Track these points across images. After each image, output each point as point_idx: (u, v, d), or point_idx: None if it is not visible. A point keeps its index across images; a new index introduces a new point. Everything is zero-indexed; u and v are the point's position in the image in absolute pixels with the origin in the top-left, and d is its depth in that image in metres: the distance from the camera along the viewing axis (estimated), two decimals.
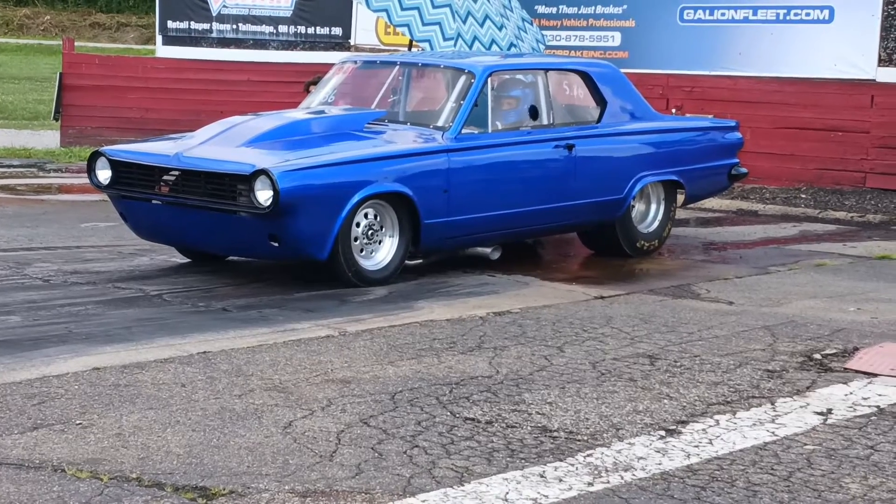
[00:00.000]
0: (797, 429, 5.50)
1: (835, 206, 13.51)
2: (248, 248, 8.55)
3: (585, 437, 5.27)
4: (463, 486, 4.64)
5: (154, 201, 8.57)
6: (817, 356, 6.85)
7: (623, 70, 15.37)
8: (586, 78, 10.04)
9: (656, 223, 10.40)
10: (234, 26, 18.97)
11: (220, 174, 8.12)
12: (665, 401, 5.87)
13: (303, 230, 8.06)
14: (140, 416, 5.36)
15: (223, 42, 18.97)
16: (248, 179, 7.92)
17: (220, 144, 8.50)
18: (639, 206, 10.29)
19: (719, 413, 5.69)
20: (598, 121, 9.97)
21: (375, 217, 8.48)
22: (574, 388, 6.05)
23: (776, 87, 14.59)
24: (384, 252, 8.55)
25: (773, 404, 5.88)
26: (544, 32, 13.69)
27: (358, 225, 8.37)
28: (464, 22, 12.26)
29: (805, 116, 14.38)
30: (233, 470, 4.71)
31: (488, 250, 9.33)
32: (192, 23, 19.22)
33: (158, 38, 19.91)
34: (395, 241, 8.56)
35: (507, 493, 4.58)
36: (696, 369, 6.48)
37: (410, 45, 13.04)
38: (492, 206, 9.02)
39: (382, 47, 17.33)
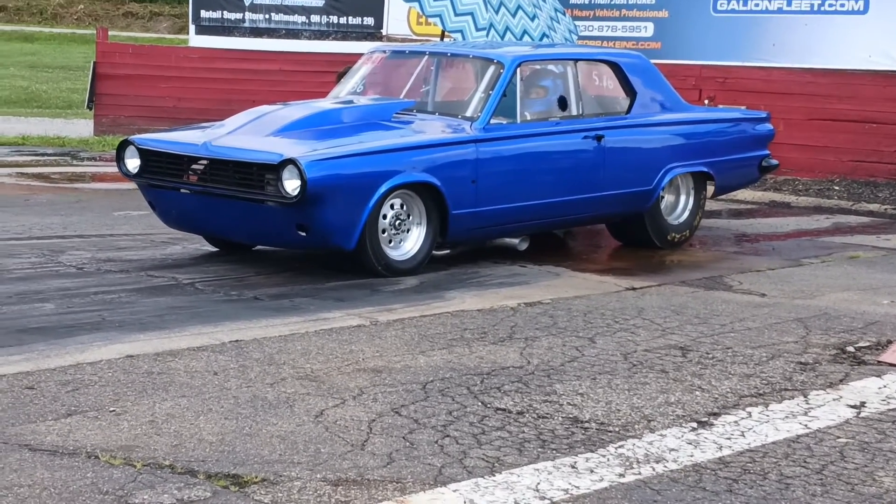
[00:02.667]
0: (830, 422, 5.47)
1: (868, 199, 13.41)
2: (276, 238, 8.57)
3: (617, 429, 5.26)
4: (494, 476, 4.64)
5: (182, 190, 8.61)
6: (850, 349, 6.81)
7: (655, 61, 15.30)
8: (616, 68, 9.99)
9: (686, 214, 10.32)
10: (267, 16, 19.00)
11: (249, 163, 8.15)
12: (697, 393, 5.86)
13: (330, 220, 8.08)
14: (173, 403, 5.39)
15: (255, 32, 19.01)
16: (276, 169, 7.94)
17: (248, 133, 8.53)
18: (668, 198, 10.23)
19: (752, 405, 5.67)
20: (628, 111, 9.91)
21: (403, 207, 8.46)
22: (605, 379, 6.04)
23: (810, 78, 14.50)
24: (411, 242, 8.53)
25: (805, 397, 5.85)
26: (577, 23, 13.65)
27: (385, 215, 8.37)
28: (496, 12, 12.23)
29: (839, 108, 14.28)
30: (265, 458, 4.73)
31: (516, 241, 9.31)
32: (224, 12, 19.26)
33: (191, 28, 19.97)
34: (423, 231, 8.55)
35: (539, 483, 4.58)
36: (728, 361, 6.46)
37: (442, 36, 13.02)
38: (520, 197, 9.00)
39: (414, 37, 17.32)
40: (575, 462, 4.83)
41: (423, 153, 8.52)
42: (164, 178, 8.69)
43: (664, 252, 10.08)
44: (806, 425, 5.41)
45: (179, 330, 6.74)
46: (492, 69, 9.14)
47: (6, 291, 7.54)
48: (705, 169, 10.30)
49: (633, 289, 8.37)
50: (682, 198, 10.33)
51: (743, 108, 12.86)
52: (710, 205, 13.13)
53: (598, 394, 5.77)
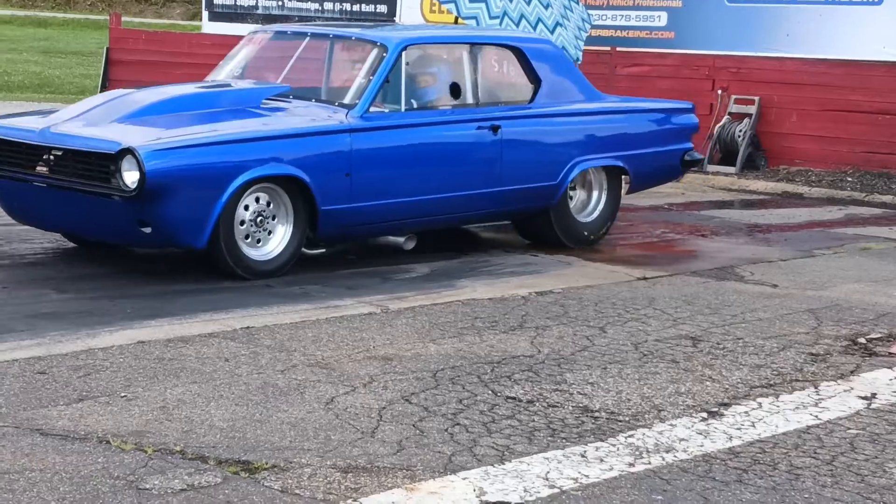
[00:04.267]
0: (841, 413, 5.47)
1: (881, 190, 13.37)
2: (121, 234, 7.75)
3: (627, 418, 5.27)
4: (504, 464, 4.65)
5: (26, 181, 7.73)
6: (862, 340, 6.80)
7: (669, 50, 15.30)
8: (519, 54, 9.25)
9: (597, 212, 9.60)
10: (280, 2, 19.00)
11: (86, 153, 7.39)
12: (707, 383, 5.85)
13: (176, 215, 7.34)
14: (184, 389, 5.40)
15: (268, 18, 19.01)
16: (115, 158, 7.21)
17: (93, 119, 7.77)
18: (580, 194, 9.56)
19: (762, 396, 5.67)
20: (532, 101, 9.20)
21: (268, 204, 7.75)
22: (616, 368, 6.04)
23: (823, 68, 14.45)
24: (276, 241, 7.81)
25: (816, 388, 5.84)
26: (590, 12, 13.61)
27: (247, 209, 7.67)
28: (510, 0, 12.22)
29: (852, 99, 14.23)
30: (275, 444, 4.74)
31: (401, 240, 8.63)
32: None
33: (204, 14, 19.99)
34: (289, 229, 7.82)
35: (548, 472, 4.59)
36: (739, 352, 6.45)
37: (456, 23, 13.01)
38: (402, 192, 8.28)
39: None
40: (585, 451, 4.83)
41: (288, 143, 7.79)
42: (5, 167, 7.84)
43: (676, 242, 10.07)
44: (816, 416, 5.40)
45: (191, 316, 6.75)
46: (374, 52, 8.41)
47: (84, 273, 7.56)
48: (618, 163, 9.58)
49: (645, 278, 8.36)
50: (595, 194, 9.63)
51: (674, 99, 12.38)
52: (723, 195, 13.14)
53: (608, 383, 5.77)
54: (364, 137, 8.07)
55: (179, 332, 6.38)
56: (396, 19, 17.93)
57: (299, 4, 18.85)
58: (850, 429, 5.25)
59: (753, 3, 15.14)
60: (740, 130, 14.49)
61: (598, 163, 9.48)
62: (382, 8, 18.27)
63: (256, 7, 19.17)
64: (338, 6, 18.59)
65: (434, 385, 5.62)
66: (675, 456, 4.82)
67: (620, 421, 5.23)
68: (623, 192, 9.90)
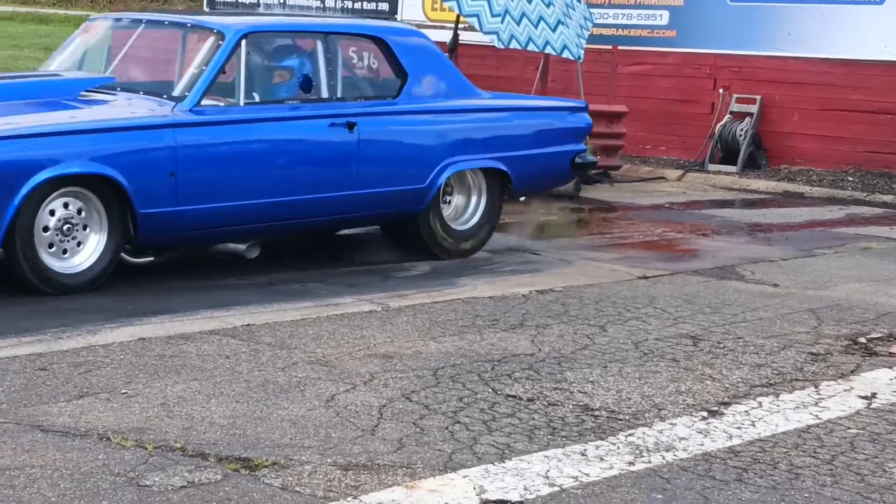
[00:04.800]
0: (841, 412, 5.47)
1: (883, 190, 13.38)
2: None
3: (627, 417, 5.27)
4: (504, 462, 4.65)
5: None
6: (862, 340, 6.81)
7: (671, 49, 15.28)
8: (383, 46, 8.55)
9: (475, 219, 8.90)
10: (281, 0, 19.00)
11: None
12: (708, 382, 5.86)
13: None
14: (184, 386, 5.41)
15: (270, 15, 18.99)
16: None
17: None
18: (458, 200, 8.88)
19: (762, 395, 5.67)
20: (397, 96, 8.46)
21: (79, 211, 7.01)
22: (616, 367, 6.04)
23: (825, 68, 14.45)
24: (88, 252, 7.06)
25: (816, 387, 5.85)
26: (592, 11, 13.62)
27: (53, 214, 6.93)
28: None
29: (854, 98, 14.23)
30: (275, 442, 4.75)
31: (242, 247, 7.82)
32: None
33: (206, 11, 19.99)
34: (103, 238, 7.08)
35: (548, 470, 4.59)
36: (739, 351, 6.45)
37: (458, 21, 13.01)
38: (239, 195, 7.53)
39: (428, 23, 17.31)
40: (585, 450, 4.83)
41: (97, 139, 7.03)
42: None
43: (677, 241, 10.07)
44: (816, 416, 5.41)
45: (192, 313, 6.75)
46: (210, 41, 7.69)
47: None
48: (498, 165, 8.85)
49: (645, 277, 8.36)
50: (474, 199, 8.94)
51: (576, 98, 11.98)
52: (724, 194, 13.14)
53: (608, 382, 5.78)
54: (192, 133, 7.31)
55: (180, 329, 6.38)
56: (398, 17, 17.94)
57: (301, 1, 18.85)
58: (850, 428, 5.26)
59: (755, 3, 15.13)
60: (741, 129, 14.49)
61: (473, 164, 8.74)
62: (384, 5, 18.27)
63: (258, 4, 19.17)
64: (339, 3, 18.60)
65: (434, 383, 5.62)
66: (675, 455, 4.82)
67: (621, 420, 5.23)
68: (507, 198, 9.21)
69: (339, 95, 8.18)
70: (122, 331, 6.29)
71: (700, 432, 5.11)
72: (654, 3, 15.91)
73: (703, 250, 9.76)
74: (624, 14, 16.13)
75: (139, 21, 8.31)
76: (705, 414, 5.36)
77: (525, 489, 4.40)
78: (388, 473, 4.48)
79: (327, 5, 18.71)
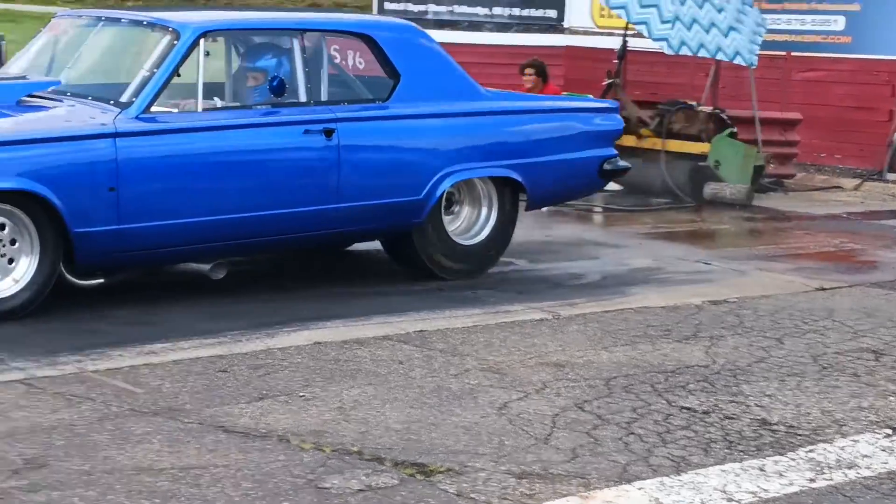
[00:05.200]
0: None
1: None
2: None
3: (807, 432, 5.14)
4: (680, 475, 4.59)
5: None
6: None
7: (846, 55, 14.85)
8: (371, 44, 7.73)
9: (484, 233, 8.03)
10: (450, 8, 19.14)
11: None
12: (891, 398, 5.68)
13: None
14: (360, 391, 5.48)
15: (439, 24, 19.14)
16: None
17: None
18: (466, 212, 8.05)
19: None
20: (387, 99, 7.66)
21: (2, 227, 6.37)
22: (794, 381, 5.90)
23: None
24: (17, 276, 6.41)
25: None
26: (764, 16, 13.35)
27: None
28: (682, 4, 12.08)
29: None
30: (450, 448, 4.77)
31: (206, 267, 7.16)
32: (408, 4, 19.47)
33: None
34: (34, 259, 6.41)
35: (726, 485, 4.51)
36: None
37: (626, 29, 12.91)
38: (193, 211, 6.83)
39: (597, 30, 17.22)
40: (763, 465, 4.73)
41: (21, 150, 6.39)
42: None
43: (855, 252, 9.78)
44: None
45: (365, 318, 6.84)
46: (164, 40, 6.97)
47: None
48: (510, 174, 7.98)
49: (823, 289, 8.15)
50: (484, 211, 8.08)
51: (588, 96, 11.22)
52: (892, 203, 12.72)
53: (786, 396, 5.65)
54: (135, 143, 6.61)
55: (354, 334, 6.47)
56: (565, 24, 17.89)
57: (469, 9, 18.96)
58: None
59: None
60: None
61: (478, 172, 7.89)
62: (552, 13, 18.24)
63: (426, 13, 19.35)
64: (507, 11, 18.64)
65: (607, 393, 5.58)
66: (857, 472, 4.69)
67: (800, 435, 5.10)
68: (522, 210, 8.32)
69: (318, 99, 7.39)
70: (298, 335, 6.40)
71: (884, 450, 4.96)
72: (829, 9, 15.51)
73: (883, 262, 9.46)
74: (798, 20, 15.76)
75: (98, 18, 7.61)
76: (889, 431, 5.20)
77: (702, 503, 4.33)
78: (562, 483, 4.46)
79: (495, 13, 18.78)
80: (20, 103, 6.92)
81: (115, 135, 6.55)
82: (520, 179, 8.02)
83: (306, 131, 7.20)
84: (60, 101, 6.93)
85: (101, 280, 6.80)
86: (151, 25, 7.22)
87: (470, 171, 7.85)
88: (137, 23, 7.39)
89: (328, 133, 7.23)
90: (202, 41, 6.97)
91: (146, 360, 5.81)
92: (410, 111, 7.66)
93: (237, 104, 7.47)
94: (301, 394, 5.39)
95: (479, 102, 8.03)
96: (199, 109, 6.98)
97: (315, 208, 7.22)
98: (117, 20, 7.57)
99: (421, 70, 7.79)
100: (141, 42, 7.31)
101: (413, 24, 8.28)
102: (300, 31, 7.42)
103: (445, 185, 7.70)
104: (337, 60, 7.93)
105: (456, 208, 8.01)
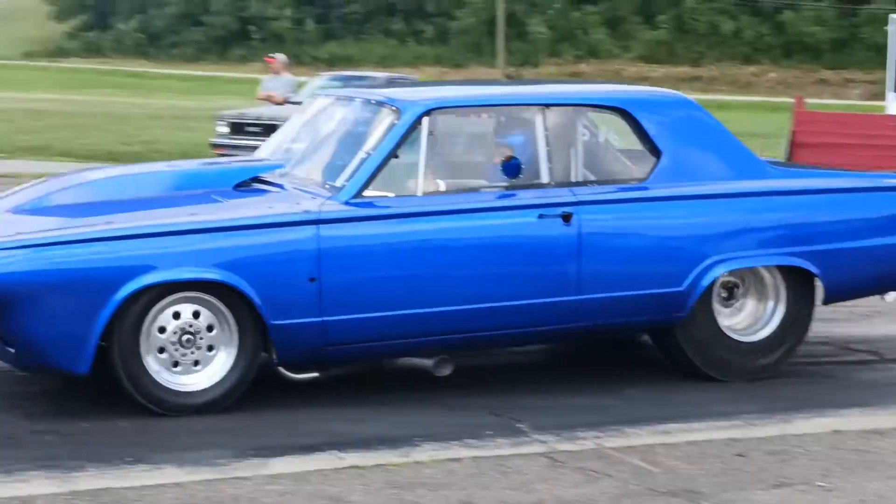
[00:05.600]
0: None
1: None
2: None
3: None
4: None
5: None
6: None
7: None
8: (627, 118, 6.98)
9: (768, 330, 7.06)
10: None
11: None
12: None
13: (38, 332, 5.95)
14: (882, 484, 5.25)
15: None
16: None
17: (7, 203, 6.77)
18: (749, 305, 7.10)
19: None
20: (646, 179, 6.89)
21: (196, 315, 6.15)
22: None
23: None
24: (214, 368, 6.18)
25: None
26: None
27: (163, 330, 6.11)
28: None
29: None
30: None
31: (429, 363, 6.57)
32: None
33: (889, 95, 19.52)
34: (233, 352, 6.18)
35: None
36: None
37: None
38: (404, 302, 6.34)
39: None
40: None
41: (215, 239, 6.14)
42: None
43: None
44: None
45: (884, 408, 6.56)
46: (387, 120, 6.60)
47: None
48: (798, 262, 6.98)
49: None
50: (770, 305, 7.08)
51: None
52: None
53: None
54: (341, 231, 6.28)
55: (874, 424, 6.22)
56: None
57: None
58: None
59: None
60: None
61: (759, 261, 6.97)
62: None
63: None
64: None
65: None
66: None
67: None
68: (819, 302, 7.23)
69: (560, 180, 6.71)
70: (815, 422, 6.25)
71: None
72: None
73: None
74: None
75: (340, 98, 7.47)
76: None
77: None
78: None
79: None
80: (238, 188, 6.74)
81: (318, 222, 6.22)
82: (813, 270, 7.01)
83: (541, 216, 6.55)
84: (280, 186, 6.69)
85: (316, 374, 6.46)
86: (379, 104, 6.84)
87: (747, 259, 6.93)
88: (367, 101, 7.02)
89: (566, 217, 6.57)
90: (425, 120, 6.52)
91: (661, 440, 5.89)
92: (671, 192, 6.85)
93: (463, 187, 6.78)
94: (820, 483, 5.25)
95: (761, 181, 7.07)
96: (420, 193, 6.48)
97: (546, 300, 6.57)
98: (350, 99, 7.25)
99: (688, 146, 6.99)
100: (368, 122, 6.86)
101: (680, 94, 7.51)
102: (543, 106, 6.81)
103: (713, 275, 6.81)
104: (587, 137, 7.10)
105: (738, 302, 7.10)
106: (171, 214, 6.33)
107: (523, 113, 6.92)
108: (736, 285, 7.08)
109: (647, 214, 6.83)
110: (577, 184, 6.77)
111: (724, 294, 7.05)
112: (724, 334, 6.96)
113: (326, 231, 6.22)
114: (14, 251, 5.89)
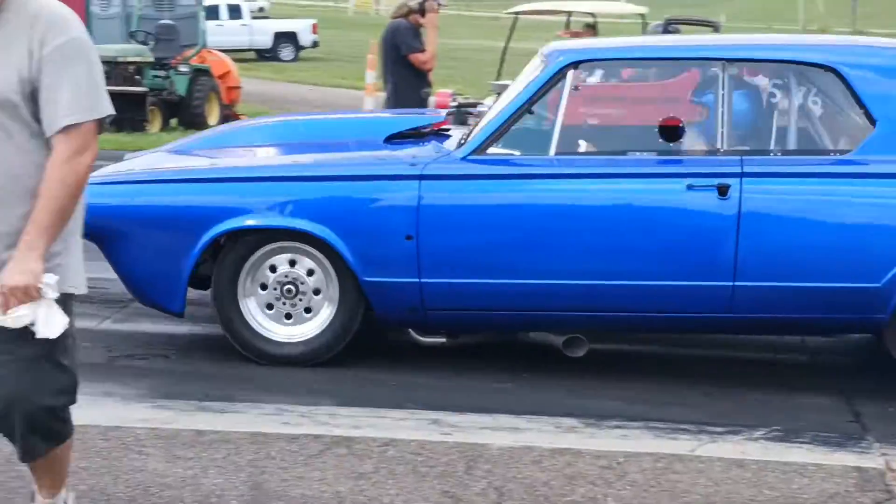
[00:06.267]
0: None
1: None
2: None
3: None
4: None
5: None
6: None
7: None
8: (835, 78, 5.82)
9: None
10: None
11: None
12: None
13: (133, 268, 6.01)
14: None
15: None
16: None
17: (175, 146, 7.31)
18: None
19: None
20: (850, 152, 5.80)
21: (310, 273, 5.94)
22: None
23: None
24: (317, 322, 5.96)
25: None
26: None
27: (271, 277, 5.95)
28: None
29: None
30: None
31: (558, 340, 6.01)
32: None
33: None
34: (333, 308, 5.93)
35: None
36: None
37: None
38: (509, 270, 5.80)
39: None
40: None
41: (305, 188, 5.94)
42: None
43: None
44: None
45: None
46: (533, 71, 6.11)
47: None
48: None
49: None
50: None
51: None
52: None
53: None
54: (444, 188, 5.85)
55: None
56: None
57: None
58: None
59: None
60: None
61: None
62: None
63: None
64: None
65: None
66: None
67: None
68: None
69: (728, 147, 5.80)
70: None
71: None
72: None
73: None
74: None
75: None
76: None
77: None
78: None
79: None
80: (390, 139, 6.57)
81: (421, 177, 5.81)
82: None
83: (689, 186, 5.70)
84: (427, 140, 6.45)
85: (443, 340, 6.13)
86: (541, 54, 6.26)
87: None
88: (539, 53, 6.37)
89: (722, 190, 5.67)
90: (570, 73, 5.86)
91: None
92: (880, 169, 5.72)
93: (612, 150, 6.11)
94: None
95: None
96: (552, 153, 5.84)
97: (691, 283, 5.74)
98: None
99: None
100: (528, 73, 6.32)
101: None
102: (724, 61, 5.84)
103: None
104: (779, 99, 6.15)
105: None
106: (283, 160, 6.38)
107: (707, 68, 6.12)
108: None
109: (832, 194, 5.76)
110: (752, 153, 5.83)
111: None
112: None
113: (429, 187, 5.79)
114: (111, 186, 5.93)
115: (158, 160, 6.57)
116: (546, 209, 5.79)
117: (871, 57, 6.09)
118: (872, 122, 5.72)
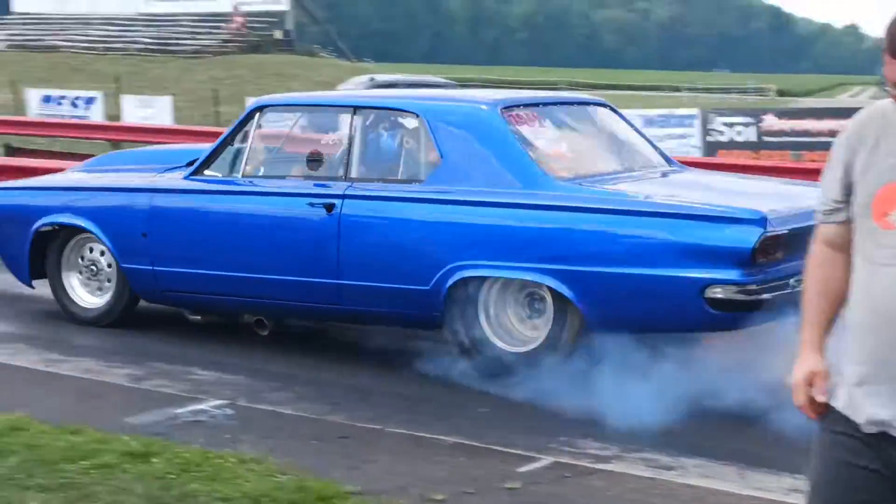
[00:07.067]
0: None
1: None
2: None
3: None
4: None
5: None
6: None
7: None
8: (421, 121, 7.07)
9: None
10: None
11: None
12: None
13: (3, 251, 8.46)
14: None
15: None
16: None
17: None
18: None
19: None
20: (423, 181, 7.01)
21: (102, 253, 8.02)
22: None
23: None
24: (106, 297, 8.05)
25: None
26: None
27: (83, 258, 8.11)
28: None
29: None
30: None
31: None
32: None
33: None
34: (113, 285, 8.00)
35: None
36: None
37: None
38: (198, 262, 7.48)
39: None
40: None
41: (84, 196, 8.14)
42: None
43: None
44: None
45: None
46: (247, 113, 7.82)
47: None
48: (546, 280, 6.50)
49: None
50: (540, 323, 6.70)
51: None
52: None
53: None
54: (164, 198, 7.72)
55: None
56: None
57: None
58: None
59: None
60: None
61: (495, 271, 6.66)
62: None
63: None
64: None
65: None
66: None
67: None
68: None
69: (356, 175, 7.11)
70: None
71: None
72: None
73: None
74: None
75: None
76: None
77: None
78: None
79: None
80: (188, 165, 7.93)
81: (153, 191, 7.73)
82: (566, 292, 6.50)
83: (310, 203, 7.17)
84: (186, 165, 8.08)
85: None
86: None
87: (487, 269, 6.71)
88: None
89: (328, 208, 7.11)
90: (257, 114, 7.55)
91: None
92: (432, 195, 6.87)
93: (274, 174, 7.58)
94: None
95: (535, 192, 6.74)
96: (241, 175, 7.53)
97: (313, 280, 7.16)
98: None
99: (467, 153, 6.95)
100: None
101: (477, 104, 7.37)
102: (353, 108, 7.40)
103: (452, 280, 6.75)
104: (388, 139, 7.52)
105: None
106: (63, 179, 8.69)
107: (345, 114, 7.49)
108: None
109: (393, 213, 7.00)
110: (371, 180, 7.15)
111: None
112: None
113: (158, 198, 7.67)
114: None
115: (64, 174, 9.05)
116: (229, 216, 7.51)
117: (448, 107, 7.39)
118: (441, 157, 6.99)
